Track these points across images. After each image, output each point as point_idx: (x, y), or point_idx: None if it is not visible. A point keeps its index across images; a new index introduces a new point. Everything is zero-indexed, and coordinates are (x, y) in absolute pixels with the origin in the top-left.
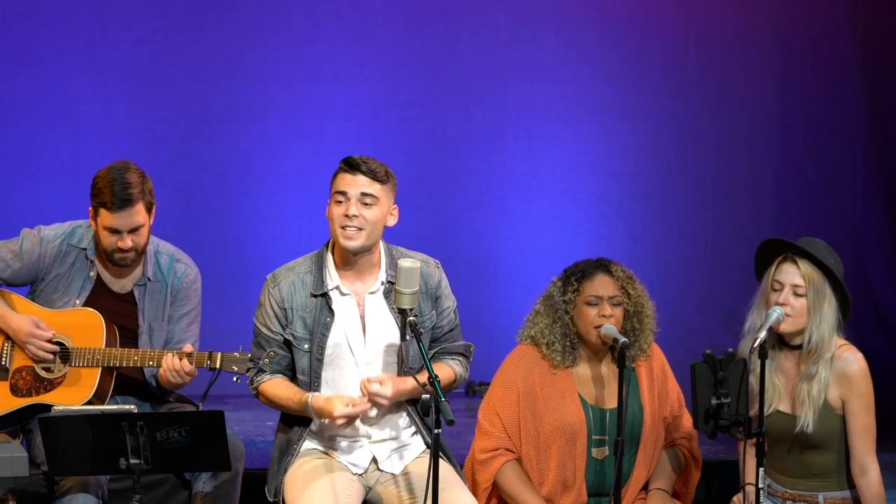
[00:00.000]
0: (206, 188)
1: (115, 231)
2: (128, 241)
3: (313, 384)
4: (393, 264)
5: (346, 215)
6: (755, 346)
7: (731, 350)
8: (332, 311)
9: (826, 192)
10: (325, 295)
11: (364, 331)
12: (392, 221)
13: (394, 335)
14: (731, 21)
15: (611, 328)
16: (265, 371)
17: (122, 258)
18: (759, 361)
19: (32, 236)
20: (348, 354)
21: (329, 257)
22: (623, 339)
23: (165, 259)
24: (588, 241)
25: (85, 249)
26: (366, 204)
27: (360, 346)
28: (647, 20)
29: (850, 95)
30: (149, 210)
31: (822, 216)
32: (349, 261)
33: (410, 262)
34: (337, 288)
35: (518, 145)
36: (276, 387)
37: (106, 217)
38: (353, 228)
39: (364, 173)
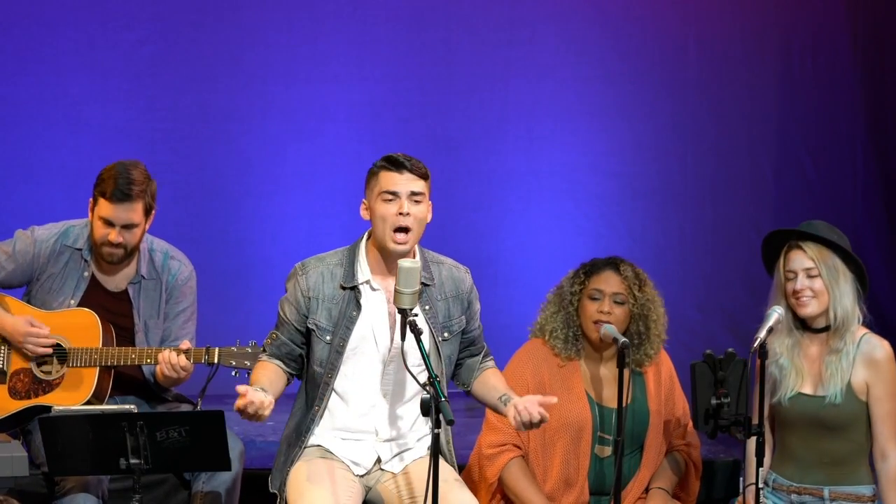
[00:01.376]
0: (206, 188)
1: (109, 223)
2: (118, 237)
3: (327, 376)
4: (427, 266)
5: (401, 213)
6: (755, 346)
7: (731, 350)
8: (359, 305)
9: (826, 192)
10: (354, 288)
11: (392, 328)
12: (429, 217)
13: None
14: (731, 21)
15: (611, 328)
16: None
17: (111, 254)
18: (759, 361)
19: (26, 237)
20: (373, 350)
21: (363, 252)
22: (622, 339)
23: (159, 256)
24: (588, 241)
25: (80, 250)
26: (416, 202)
27: (386, 342)
28: (647, 20)
29: (850, 95)
30: (147, 212)
31: (822, 216)
32: (386, 259)
33: (411, 262)
34: (368, 282)
35: (518, 145)
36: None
37: (103, 206)
38: (404, 231)
39: (410, 171)
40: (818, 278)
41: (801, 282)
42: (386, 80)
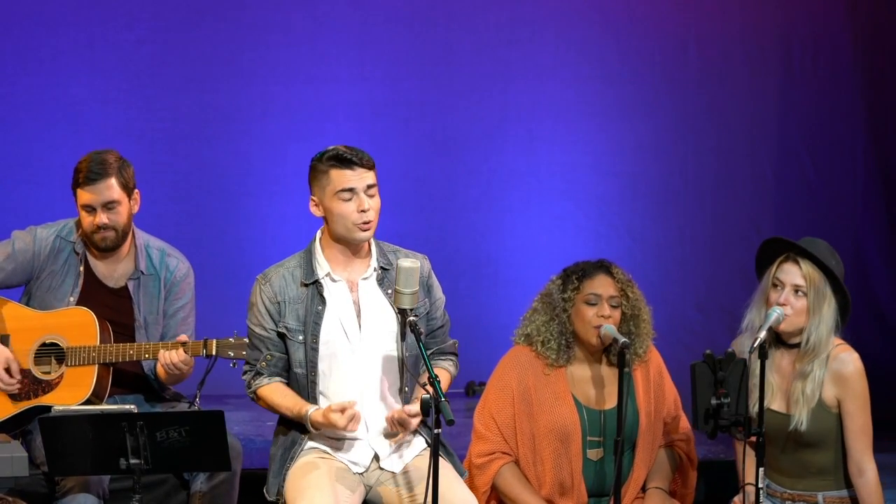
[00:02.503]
0: (206, 188)
1: (90, 209)
2: (102, 218)
3: (310, 375)
4: (382, 252)
5: (363, 210)
6: (755, 345)
7: (730, 350)
8: (323, 299)
9: (826, 192)
10: (315, 283)
11: (359, 316)
12: None
13: (390, 321)
14: (731, 21)
15: (611, 328)
16: (262, 374)
17: (102, 238)
18: (759, 361)
19: (24, 236)
20: (343, 341)
21: (318, 248)
22: (623, 339)
23: (156, 253)
24: (588, 241)
25: (73, 243)
26: (370, 195)
27: (356, 331)
28: (647, 20)
29: (850, 95)
30: (126, 190)
31: (822, 216)
32: (344, 250)
33: (410, 262)
34: (328, 275)
35: (518, 145)
36: (275, 394)
37: (81, 195)
38: (367, 222)
39: (361, 165)
40: (804, 298)
41: (786, 296)
42: (386, 80)
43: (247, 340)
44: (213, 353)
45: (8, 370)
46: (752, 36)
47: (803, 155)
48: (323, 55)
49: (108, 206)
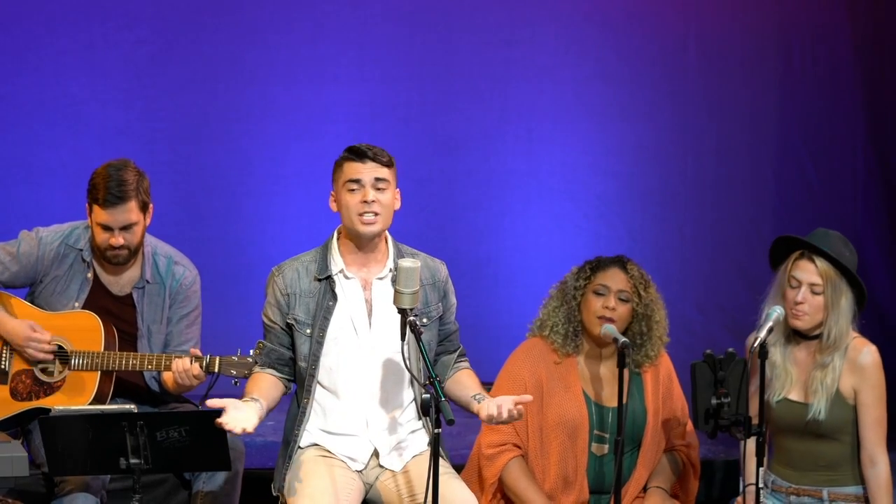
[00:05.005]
0: (206, 188)
1: (106, 228)
2: (119, 239)
3: (311, 368)
4: (399, 254)
5: (365, 201)
6: (756, 346)
7: (731, 350)
8: (335, 295)
9: (826, 192)
10: (328, 278)
11: (370, 315)
12: (397, 205)
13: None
14: (731, 21)
15: (611, 328)
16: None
17: (115, 256)
18: (759, 361)
19: (30, 238)
20: (352, 338)
21: (335, 244)
22: (623, 339)
23: (163, 261)
24: (588, 241)
25: (81, 251)
26: (379, 189)
27: (365, 329)
28: (647, 20)
29: (850, 96)
30: (143, 209)
31: (822, 216)
32: (359, 247)
33: (411, 262)
34: (342, 272)
35: (518, 145)
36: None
37: (98, 213)
38: (370, 214)
39: (372, 159)
40: (821, 296)
41: (804, 294)
42: (386, 80)
43: (250, 359)
44: (216, 370)
45: (34, 329)
46: (752, 36)
47: (803, 155)
48: (323, 55)
49: (126, 227)
